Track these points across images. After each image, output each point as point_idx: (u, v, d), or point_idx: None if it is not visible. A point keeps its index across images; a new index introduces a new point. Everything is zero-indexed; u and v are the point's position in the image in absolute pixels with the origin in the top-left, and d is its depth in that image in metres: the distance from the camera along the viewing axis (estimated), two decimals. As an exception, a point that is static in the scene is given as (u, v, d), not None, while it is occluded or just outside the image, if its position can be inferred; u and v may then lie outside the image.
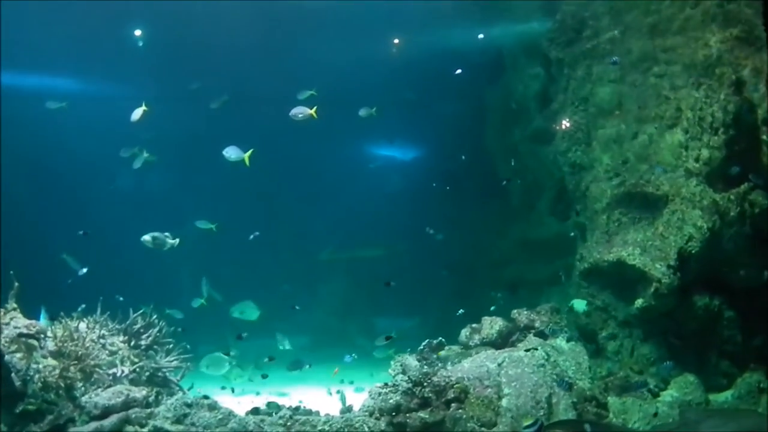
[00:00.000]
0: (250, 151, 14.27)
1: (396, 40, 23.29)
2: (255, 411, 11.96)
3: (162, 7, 20.88)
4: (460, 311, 16.64)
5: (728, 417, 10.33)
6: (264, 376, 16.32)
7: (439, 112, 26.32)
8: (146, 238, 13.18)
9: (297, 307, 19.42)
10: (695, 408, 12.03)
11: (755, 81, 14.71)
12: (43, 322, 12.51)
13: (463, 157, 21.62)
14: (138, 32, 21.49)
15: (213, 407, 11.41)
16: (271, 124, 20.82)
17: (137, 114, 14.58)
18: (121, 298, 14.65)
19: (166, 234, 13.06)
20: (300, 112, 14.09)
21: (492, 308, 16.28)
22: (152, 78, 23.16)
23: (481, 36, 20.71)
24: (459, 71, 18.62)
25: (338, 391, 14.59)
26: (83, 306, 13.39)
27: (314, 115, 13.77)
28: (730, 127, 14.24)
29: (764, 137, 14.55)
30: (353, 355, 16.45)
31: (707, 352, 13.74)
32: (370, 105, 21.87)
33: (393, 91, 25.24)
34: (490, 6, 20.88)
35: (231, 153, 14.36)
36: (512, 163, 20.00)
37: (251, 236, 19.06)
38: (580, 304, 14.87)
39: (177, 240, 13.36)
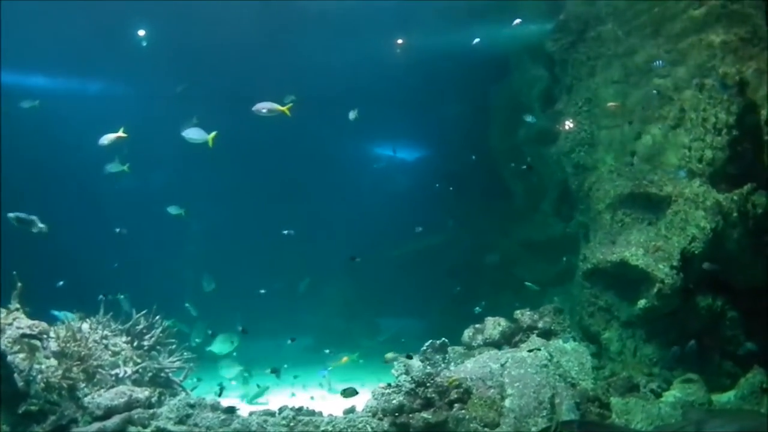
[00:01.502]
0: (213, 133, 13.79)
1: (401, 41, 23.26)
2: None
3: (160, 6, 20.86)
4: (477, 309, 16.67)
5: (731, 417, 10.32)
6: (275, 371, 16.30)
7: (444, 112, 26.32)
8: (11, 215, 12.37)
9: (263, 291, 19.48)
10: (698, 408, 12.00)
11: (758, 82, 14.69)
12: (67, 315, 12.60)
13: (473, 157, 21.55)
14: (141, 32, 21.39)
15: (216, 408, 11.44)
16: (276, 126, 20.85)
17: (108, 139, 14.01)
18: (122, 296, 14.71)
19: (34, 217, 12.30)
20: (265, 107, 13.22)
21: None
22: (146, 77, 23.23)
23: (477, 40, 20.60)
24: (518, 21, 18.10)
25: (325, 375, 14.68)
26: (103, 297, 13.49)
27: (286, 112, 13.24)
28: (733, 128, 14.23)
29: (767, 138, 14.53)
30: (329, 369, 16.51)
31: (710, 352, 13.73)
32: (373, 105, 21.90)
33: (398, 91, 25.30)
34: (496, 6, 20.86)
35: (193, 135, 13.83)
36: (525, 165, 19.89)
37: (285, 232, 19.06)
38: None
39: (45, 225, 12.55)
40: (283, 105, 13.21)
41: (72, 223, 20.45)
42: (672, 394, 12.80)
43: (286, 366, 16.93)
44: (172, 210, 16.98)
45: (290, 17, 22.36)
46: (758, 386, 12.45)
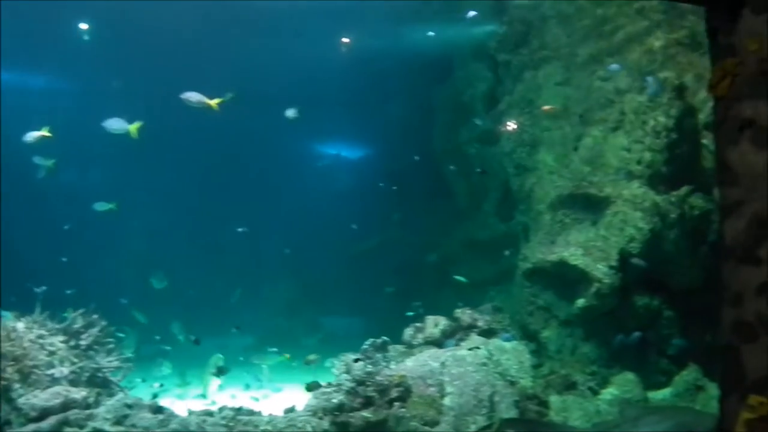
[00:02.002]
0: (138, 123, 13.53)
1: (346, 40, 23.23)
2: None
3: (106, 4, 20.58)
4: (409, 313, 16.72)
5: (666, 414, 10.45)
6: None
7: (388, 112, 26.35)
8: None
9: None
10: (634, 405, 12.17)
11: (697, 86, 14.94)
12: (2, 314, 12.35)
13: (416, 157, 21.56)
14: (84, 26, 21.03)
15: (155, 408, 11.28)
16: (220, 124, 20.68)
17: (32, 137, 13.74)
18: (69, 291, 14.47)
19: None
20: (193, 97, 12.90)
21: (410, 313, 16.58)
22: (89, 72, 22.91)
23: (431, 33, 20.69)
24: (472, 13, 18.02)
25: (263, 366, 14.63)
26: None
27: (214, 106, 12.98)
28: (672, 131, 14.45)
29: (704, 141, 14.79)
30: (261, 377, 16.42)
31: (647, 350, 13.93)
32: (318, 104, 21.80)
33: (343, 90, 25.28)
34: (440, 7, 20.95)
35: (113, 125, 13.50)
36: (479, 170, 19.95)
37: (239, 230, 18.84)
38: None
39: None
40: (224, 101, 13.02)
41: (15, 219, 20.14)
42: (609, 392, 12.98)
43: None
44: (100, 206, 16.64)
45: (235, 15, 22.20)
46: (693, 383, 12.69)
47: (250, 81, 19.38)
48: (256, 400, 15.23)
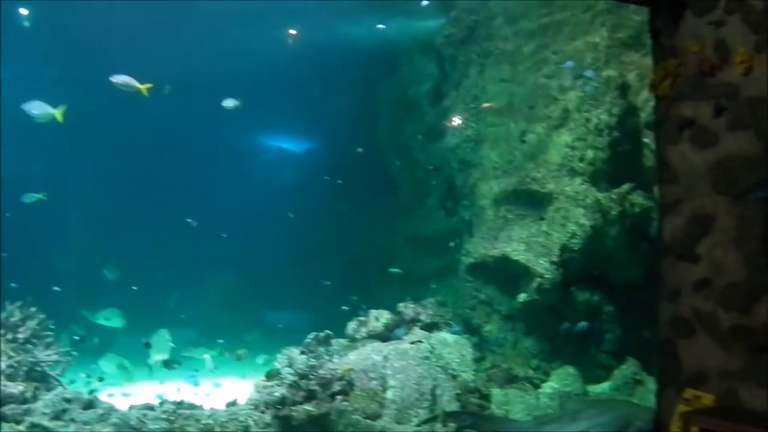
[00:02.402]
0: (62, 107, 13.23)
1: (293, 32, 23.13)
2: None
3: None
4: (351, 305, 16.75)
5: (605, 407, 10.63)
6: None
7: (334, 106, 26.29)
8: None
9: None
10: (574, 399, 12.34)
11: (640, 86, 15.17)
12: None
13: (360, 150, 21.46)
14: (24, 11, 20.59)
15: (94, 402, 11.13)
16: (162, 115, 20.48)
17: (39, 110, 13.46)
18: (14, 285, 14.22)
19: None
20: (123, 80, 12.50)
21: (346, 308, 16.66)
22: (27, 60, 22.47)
23: (381, 26, 20.68)
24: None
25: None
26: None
27: (144, 91, 12.77)
28: (614, 130, 14.67)
29: (646, 140, 15.02)
30: (197, 372, 16.32)
31: (587, 345, 14.14)
32: (263, 96, 21.60)
33: (289, 83, 25.15)
34: (387, 2, 20.96)
35: (33, 109, 13.01)
36: (433, 167, 19.95)
37: (189, 221, 18.60)
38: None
39: None
40: (152, 87, 12.81)
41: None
42: (550, 386, 13.15)
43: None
44: (28, 198, 16.34)
45: (179, 6, 21.94)
46: (631, 377, 12.90)
47: (196, 74, 19.19)
48: (196, 384, 15.11)
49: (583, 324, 13.50)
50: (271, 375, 12.06)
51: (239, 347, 16.83)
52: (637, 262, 14.19)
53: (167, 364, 15.67)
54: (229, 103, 14.83)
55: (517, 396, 12.43)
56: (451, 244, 17.65)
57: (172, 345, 16.48)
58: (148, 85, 12.72)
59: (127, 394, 15.33)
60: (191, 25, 22.27)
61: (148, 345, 15.89)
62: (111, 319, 18.18)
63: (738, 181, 6.65)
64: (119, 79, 12.51)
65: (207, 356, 15.93)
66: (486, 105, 16.52)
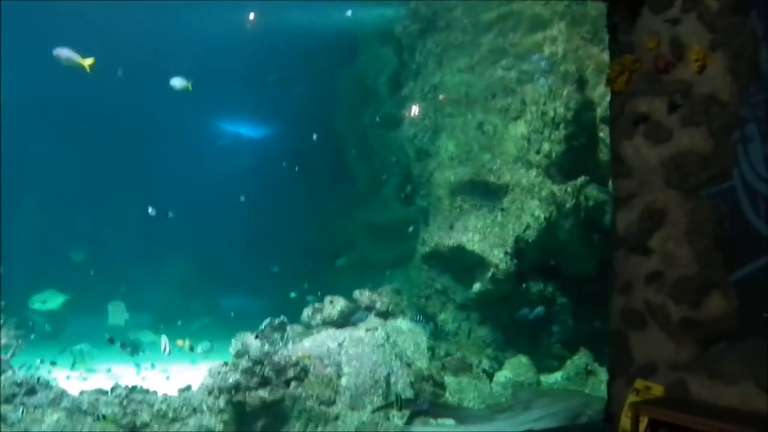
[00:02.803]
0: (91, 59, 13.06)
1: (251, 16, 22.98)
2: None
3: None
4: (300, 293, 16.76)
5: (557, 397, 10.79)
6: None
7: (292, 92, 26.16)
8: None
9: None
10: (527, 388, 12.48)
11: (597, 81, 15.32)
12: None
13: (315, 137, 21.34)
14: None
15: (46, 386, 11.03)
16: (117, 99, 20.28)
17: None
18: None
19: None
20: (65, 54, 12.30)
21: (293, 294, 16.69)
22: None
23: (348, 13, 20.60)
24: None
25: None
26: None
27: (86, 67, 12.45)
28: (570, 123, 14.81)
29: (601, 135, 15.20)
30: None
31: (540, 335, 14.30)
32: (220, 81, 21.34)
33: (246, 68, 25.02)
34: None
35: (62, 54, 12.76)
36: (395, 159, 19.91)
37: (150, 210, 18.36)
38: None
39: None
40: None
41: None
42: (503, 375, 13.28)
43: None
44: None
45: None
46: (583, 368, 13.07)
47: (152, 58, 18.98)
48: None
49: (539, 309, 13.68)
50: (239, 354, 12.09)
51: (186, 335, 16.67)
52: (591, 254, 14.37)
53: (126, 347, 15.60)
54: (177, 82, 14.50)
55: (471, 384, 12.53)
56: (410, 229, 17.69)
57: (127, 316, 16.34)
58: (90, 60, 12.47)
59: (85, 377, 15.26)
60: (147, 8, 22.03)
61: (111, 340, 15.72)
62: (47, 302, 17.96)
63: (690, 177, 6.78)
64: (62, 52, 12.31)
65: (164, 338, 15.74)
66: (442, 96, 16.54)
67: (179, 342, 15.23)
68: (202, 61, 22.36)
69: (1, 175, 18.91)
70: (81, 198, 24.52)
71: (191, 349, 15.33)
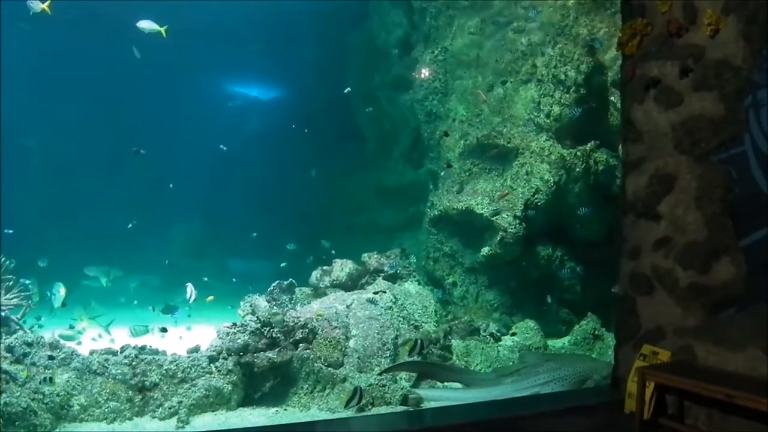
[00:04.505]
0: (165, 27, 13.76)
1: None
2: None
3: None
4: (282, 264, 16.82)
5: (564, 361, 10.77)
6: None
7: (302, 54, 26.07)
8: None
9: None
10: (534, 352, 12.50)
11: (608, 44, 15.19)
12: None
13: (349, 90, 21.20)
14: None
15: (55, 346, 11.07)
16: (126, 61, 20.13)
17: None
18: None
19: None
20: (146, 24, 13.55)
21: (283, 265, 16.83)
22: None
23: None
24: None
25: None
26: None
27: (163, 33, 13.51)
28: (581, 87, 14.70)
29: (612, 98, 15.09)
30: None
31: (548, 299, 14.32)
32: (230, 43, 21.14)
33: (256, 30, 24.89)
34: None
35: (145, 24, 13.70)
36: (369, 109, 19.89)
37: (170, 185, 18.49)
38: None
39: None
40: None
41: None
42: (510, 339, 13.30)
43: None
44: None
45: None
46: (590, 333, 13.06)
47: (165, 20, 18.84)
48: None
49: (568, 268, 13.87)
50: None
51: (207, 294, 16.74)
52: (600, 219, 14.33)
53: (169, 309, 15.79)
54: (145, 24, 14.49)
55: (478, 348, 12.55)
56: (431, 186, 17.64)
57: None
58: (165, 27, 13.59)
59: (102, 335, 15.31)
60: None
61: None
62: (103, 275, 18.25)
63: (701, 142, 6.74)
64: (143, 23, 13.48)
65: (190, 285, 15.72)
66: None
67: (209, 298, 15.30)
68: (212, 23, 22.27)
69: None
70: (94, 162, 24.62)
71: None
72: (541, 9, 15.63)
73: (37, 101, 23.92)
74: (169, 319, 15.95)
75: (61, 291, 14.02)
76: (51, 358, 10.54)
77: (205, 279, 17.91)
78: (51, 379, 9.84)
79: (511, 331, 13.58)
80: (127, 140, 23.88)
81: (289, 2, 23.05)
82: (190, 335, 15.47)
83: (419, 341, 11.02)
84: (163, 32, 13.45)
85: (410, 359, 11.23)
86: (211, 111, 28.11)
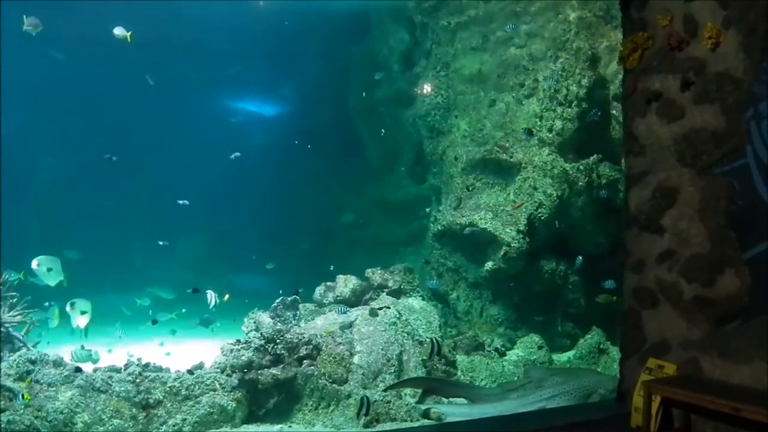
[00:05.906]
0: (130, 33, 13.96)
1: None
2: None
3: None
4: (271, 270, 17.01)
5: (569, 375, 10.75)
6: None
7: (305, 70, 26.14)
8: None
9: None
10: (539, 367, 12.47)
11: (609, 58, 15.23)
12: None
13: (327, 114, 21.26)
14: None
15: (58, 364, 11.04)
16: (129, 76, 20.24)
17: None
18: None
19: None
20: (119, 31, 13.83)
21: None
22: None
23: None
24: None
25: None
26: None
27: (128, 38, 13.84)
28: (583, 101, 14.73)
29: (614, 112, 15.12)
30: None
31: (552, 314, 14.30)
32: (234, 59, 21.17)
33: (259, 46, 24.97)
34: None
35: (117, 31, 13.91)
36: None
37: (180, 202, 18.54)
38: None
39: None
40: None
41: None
42: (515, 353, 13.28)
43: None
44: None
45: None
46: (595, 346, 13.04)
47: (168, 37, 18.99)
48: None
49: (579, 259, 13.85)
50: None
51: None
52: (603, 232, 14.31)
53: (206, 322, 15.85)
54: (118, 31, 14.61)
55: (482, 363, 12.53)
56: (428, 210, 17.62)
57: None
58: (129, 33, 13.77)
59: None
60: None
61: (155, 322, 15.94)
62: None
63: (703, 155, 6.74)
64: (117, 30, 13.74)
65: (210, 292, 15.69)
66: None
67: (226, 297, 15.29)
68: (216, 39, 22.33)
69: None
70: (95, 177, 24.62)
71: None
72: (529, 22, 15.68)
73: (55, 119, 24.06)
74: (208, 331, 16.09)
75: (83, 318, 14.01)
76: (78, 370, 10.58)
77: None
78: (23, 395, 9.81)
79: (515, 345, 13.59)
80: (134, 156, 24.04)
81: (291, 19, 23.10)
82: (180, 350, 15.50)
83: (434, 340, 11.04)
84: (128, 37, 13.78)
85: (415, 376, 11.22)
86: (215, 127, 28.16)
